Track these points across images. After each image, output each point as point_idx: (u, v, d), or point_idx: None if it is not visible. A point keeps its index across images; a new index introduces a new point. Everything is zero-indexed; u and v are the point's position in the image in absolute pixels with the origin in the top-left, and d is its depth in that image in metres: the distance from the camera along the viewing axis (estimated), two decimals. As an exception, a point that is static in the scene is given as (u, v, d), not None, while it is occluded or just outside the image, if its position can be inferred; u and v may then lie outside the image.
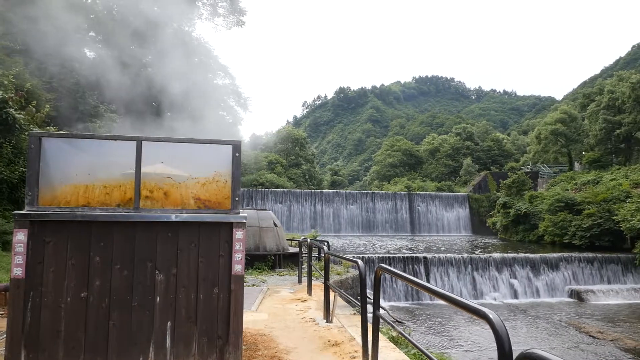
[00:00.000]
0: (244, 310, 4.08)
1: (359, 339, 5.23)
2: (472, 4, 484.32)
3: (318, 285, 9.98)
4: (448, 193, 56.04)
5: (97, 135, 4.27)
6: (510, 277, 24.24)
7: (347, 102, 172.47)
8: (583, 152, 55.35)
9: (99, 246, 3.79)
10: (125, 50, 19.45)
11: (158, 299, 3.85)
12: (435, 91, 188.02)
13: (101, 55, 21.02)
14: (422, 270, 22.88)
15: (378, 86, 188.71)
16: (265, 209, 16.99)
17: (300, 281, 11.08)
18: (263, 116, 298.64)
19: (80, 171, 3.87)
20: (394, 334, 6.35)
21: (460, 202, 54.04)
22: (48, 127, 12.22)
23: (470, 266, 23.75)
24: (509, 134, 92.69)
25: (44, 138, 3.83)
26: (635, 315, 19.35)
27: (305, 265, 10.68)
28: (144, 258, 3.87)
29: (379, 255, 24.15)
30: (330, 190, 54.35)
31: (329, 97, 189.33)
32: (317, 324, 6.63)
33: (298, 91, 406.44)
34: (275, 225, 14.68)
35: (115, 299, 3.77)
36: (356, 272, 12.63)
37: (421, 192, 54.64)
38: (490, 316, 2.27)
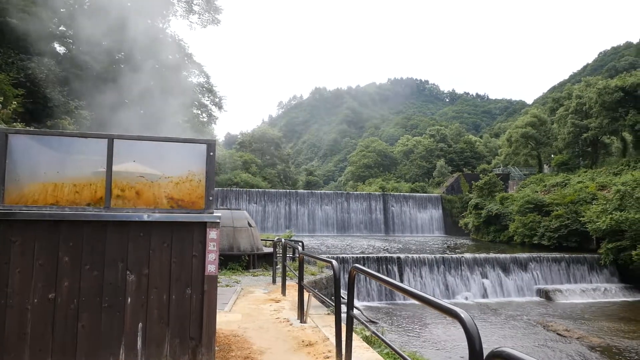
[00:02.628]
0: (217, 311, 4.05)
1: (333, 339, 5.25)
2: (447, 9, 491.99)
3: (292, 285, 9.97)
4: (422, 194, 56.80)
5: (67, 132, 4.17)
6: (482, 277, 24.71)
7: (323, 103, 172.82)
8: (552, 155, 57.13)
9: (68, 246, 3.71)
10: (96, 47, 19.05)
11: (129, 299, 3.78)
12: (409, 93, 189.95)
13: (72, 50, 20.55)
14: (396, 270, 23.09)
15: (354, 87, 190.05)
16: (239, 209, 16.91)
17: (274, 281, 11.03)
18: (238, 115, 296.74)
19: (49, 169, 3.77)
20: (368, 333, 6.39)
21: (433, 203, 54.77)
22: (15, 124, 11.83)
23: (442, 266, 24.11)
24: (481, 137, 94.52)
25: (11, 135, 3.73)
26: (599, 314, 19.95)
27: (279, 266, 10.64)
28: (115, 258, 3.79)
29: (353, 255, 24.25)
30: (305, 191, 54.45)
31: (305, 97, 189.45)
32: (291, 324, 6.62)
33: (274, 91, 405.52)
34: (250, 225, 14.58)
35: (84, 300, 3.69)
36: (330, 273, 12.68)
37: (395, 193, 55.26)
38: (462, 315, 2.31)
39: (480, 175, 54.15)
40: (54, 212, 3.70)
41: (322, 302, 7.00)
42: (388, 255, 24.63)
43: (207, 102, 31.11)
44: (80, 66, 19.18)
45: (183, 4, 26.75)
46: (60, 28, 20.47)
